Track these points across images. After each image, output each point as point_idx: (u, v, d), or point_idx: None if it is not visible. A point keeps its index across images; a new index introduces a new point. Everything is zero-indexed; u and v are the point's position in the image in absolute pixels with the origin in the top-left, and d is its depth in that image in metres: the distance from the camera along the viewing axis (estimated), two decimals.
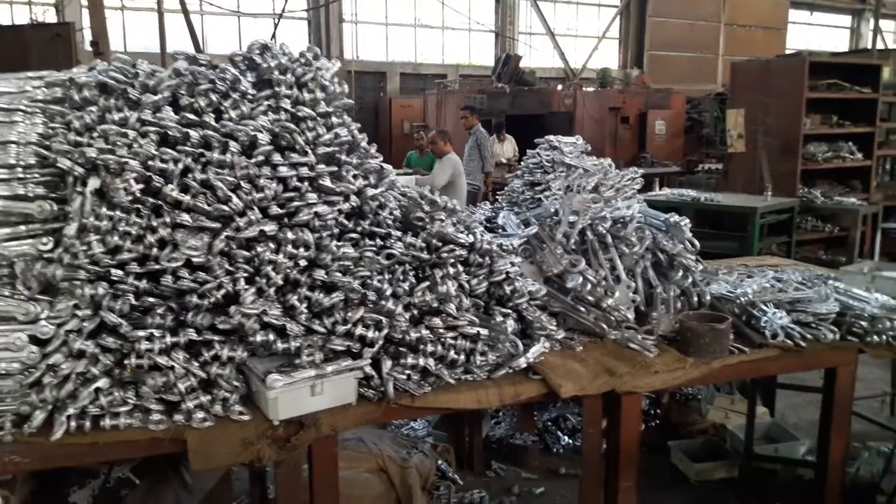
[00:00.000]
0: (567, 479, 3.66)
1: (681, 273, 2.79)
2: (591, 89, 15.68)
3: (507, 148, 11.56)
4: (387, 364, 2.11)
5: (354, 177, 2.22)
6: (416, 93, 16.03)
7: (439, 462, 3.57)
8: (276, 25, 9.19)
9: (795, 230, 7.35)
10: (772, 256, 4.33)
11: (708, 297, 2.80)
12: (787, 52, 15.81)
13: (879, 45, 15.38)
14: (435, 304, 2.25)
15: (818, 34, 21.67)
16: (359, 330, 2.10)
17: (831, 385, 2.65)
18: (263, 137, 2.14)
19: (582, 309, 2.60)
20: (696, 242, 2.84)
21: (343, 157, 2.24)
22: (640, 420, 2.40)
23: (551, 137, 4.33)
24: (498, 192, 4.97)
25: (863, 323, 2.58)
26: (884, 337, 2.58)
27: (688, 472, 3.64)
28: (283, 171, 2.13)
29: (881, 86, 8.59)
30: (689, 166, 11.85)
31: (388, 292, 2.21)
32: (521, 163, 4.49)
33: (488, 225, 3.41)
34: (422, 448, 3.54)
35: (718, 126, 10.79)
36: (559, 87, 16.41)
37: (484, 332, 2.24)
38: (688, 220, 2.82)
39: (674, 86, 16.31)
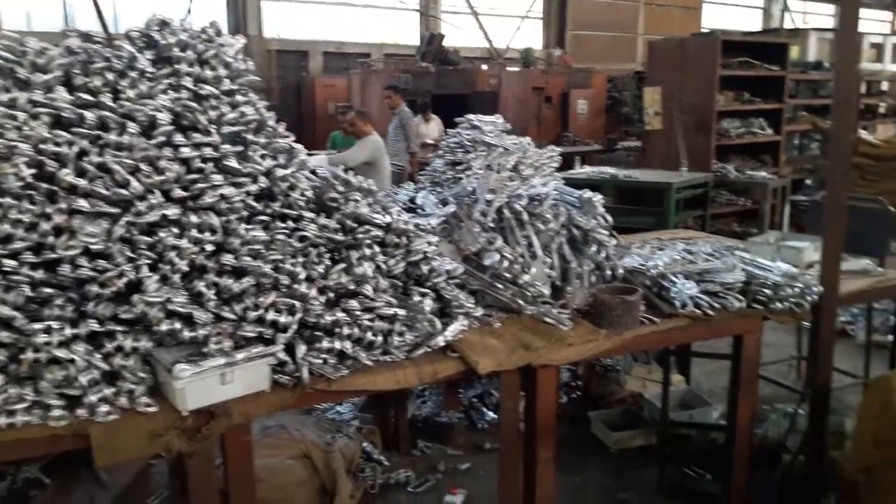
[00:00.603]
0: (492, 454, 3.70)
1: (594, 248, 2.84)
2: (515, 69, 15.77)
3: (432, 128, 11.51)
4: (301, 349, 2.07)
5: (262, 157, 2.16)
6: (341, 72, 15.76)
7: (364, 444, 3.55)
8: (190, 2, 8.85)
9: (710, 204, 7.62)
10: (685, 230, 4.47)
11: (621, 271, 2.86)
12: (703, 31, 16.26)
13: (788, 25, 16.05)
14: (352, 287, 2.23)
15: (733, 14, 22.38)
16: (270, 315, 2.05)
17: (739, 352, 2.77)
18: (164, 117, 2.05)
19: (499, 286, 2.62)
20: (609, 218, 2.89)
21: (250, 137, 2.17)
22: (556, 393, 2.44)
23: (471, 117, 4.34)
24: (422, 173, 4.96)
25: (767, 291, 2.69)
26: (786, 304, 2.69)
27: (607, 441, 3.75)
28: (186, 151, 2.05)
29: (789, 64, 8.95)
30: (610, 144, 12.10)
31: (302, 276, 2.17)
32: (443, 142, 4.48)
33: (411, 205, 3.39)
34: (346, 431, 3.52)
35: (637, 104, 11.05)
36: (484, 66, 16.44)
37: (402, 312, 2.23)
38: (601, 197, 2.87)
39: (595, 65, 16.57)
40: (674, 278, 2.77)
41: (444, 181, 4.14)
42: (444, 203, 2.92)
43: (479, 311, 2.51)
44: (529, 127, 14.77)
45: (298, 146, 2.29)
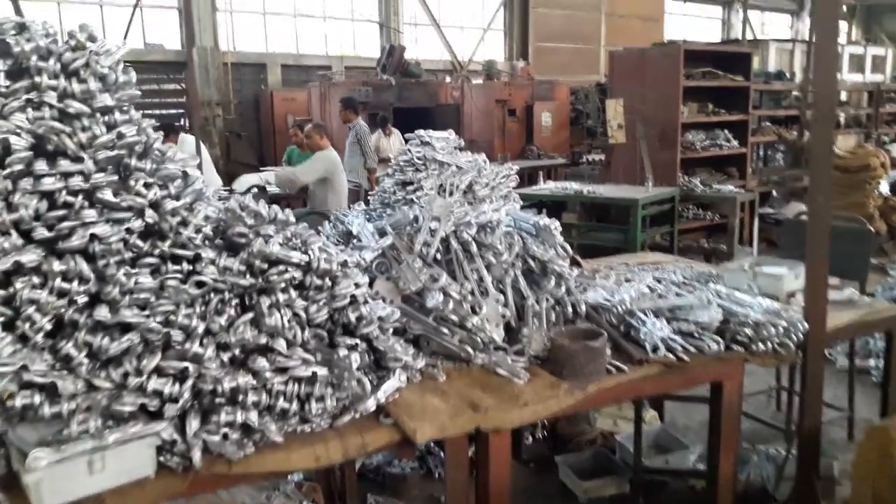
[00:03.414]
0: None
1: (553, 281, 2.50)
2: (478, 81, 15.52)
3: (393, 142, 11.14)
4: (192, 424, 1.68)
5: (147, 186, 1.78)
6: (300, 85, 15.34)
7: (304, 503, 3.16)
8: (132, 14, 8.38)
9: (677, 219, 7.38)
10: (652, 253, 4.16)
11: (583, 307, 2.53)
12: (664, 42, 16.21)
13: (749, 36, 16.05)
14: (263, 340, 1.85)
15: (693, 25, 22.47)
16: (152, 384, 1.66)
17: (718, 399, 2.44)
18: (20, 141, 1.67)
19: (445, 331, 2.26)
20: (568, 247, 2.56)
21: (133, 163, 1.79)
22: (509, 459, 2.08)
23: (422, 132, 3.99)
24: (372, 193, 4.60)
25: (747, 331, 2.37)
26: (769, 344, 2.38)
27: (576, 489, 3.40)
28: (49, 182, 1.67)
29: (752, 74, 8.80)
30: (575, 157, 11.87)
31: (200, 329, 1.79)
32: (392, 160, 4.13)
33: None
34: (284, 489, 3.13)
35: (600, 117, 10.83)
36: (447, 79, 16.16)
37: (322, 371, 1.86)
38: (558, 224, 2.53)
39: (558, 77, 16.40)
40: (643, 316, 2.44)
41: (394, 202, 3.79)
42: (382, 233, 2.55)
43: (421, 363, 2.15)
44: (494, 140, 14.54)
45: (195, 172, 1.91)
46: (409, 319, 2.29)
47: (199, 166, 7.03)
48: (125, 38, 8.36)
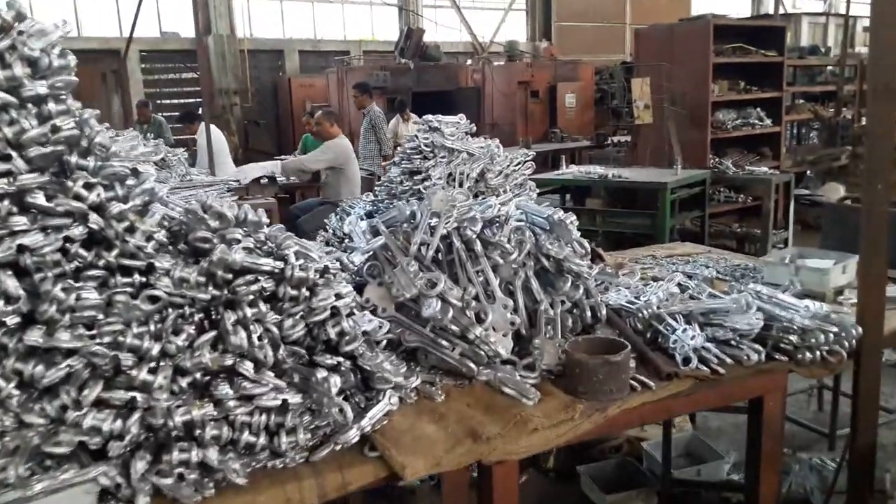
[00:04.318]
0: None
1: (570, 282, 2.21)
2: (500, 63, 15.14)
3: (411, 128, 10.84)
4: (137, 466, 1.44)
5: (89, 187, 1.53)
6: (318, 71, 15.11)
7: None
8: (139, 2, 8.16)
9: (708, 203, 7.02)
10: (682, 243, 3.84)
11: (604, 311, 2.24)
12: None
13: (779, 11, 15.42)
14: (229, 362, 1.60)
15: (722, 1, 21.76)
16: (89, 420, 1.42)
17: (758, 415, 2.14)
18: None
19: (444, 343, 1.99)
20: (586, 243, 2.27)
21: (73, 160, 1.54)
22: (516, 491, 1.81)
23: (430, 117, 3.71)
24: (379, 184, 4.33)
25: (792, 338, 2.07)
26: (817, 353, 2.07)
27: (600, 503, 3.12)
28: None
29: (786, 49, 8.35)
30: (599, 140, 11.47)
31: (155, 351, 1.55)
32: (398, 148, 3.87)
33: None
34: None
35: (626, 97, 10.45)
36: (468, 62, 15.80)
37: (295, 399, 1.60)
38: (574, 218, 2.23)
39: (582, 57, 15.96)
40: (673, 322, 2.15)
41: (400, 193, 3.53)
42: (376, 232, 2.28)
43: (416, 382, 1.88)
44: (517, 123, 14.18)
45: (147, 169, 1.65)
46: (403, 330, 2.03)
47: (210, 155, 6.89)
48: (133, 27, 8.16)
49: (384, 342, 2.01)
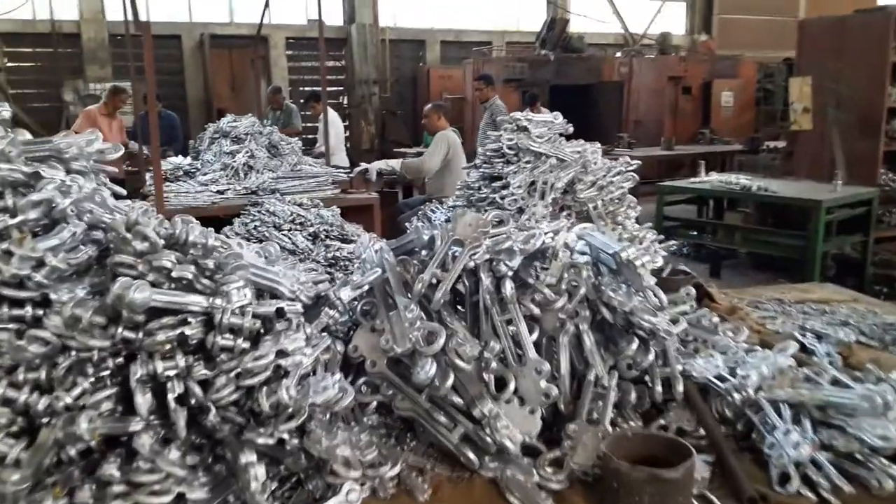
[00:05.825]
0: None
1: (637, 343, 1.66)
2: (649, 56, 14.16)
3: None
4: None
5: None
6: (459, 62, 14.84)
7: None
8: None
9: (874, 226, 5.96)
10: (822, 285, 3.07)
11: (680, 388, 1.67)
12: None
13: None
14: (136, 427, 1.23)
15: None
16: None
17: None
18: None
19: (442, 419, 1.51)
20: (663, 296, 1.69)
21: None
22: None
23: (518, 115, 3.22)
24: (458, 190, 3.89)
25: None
26: None
27: None
28: None
29: None
30: (753, 144, 10.31)
31: (41, 406, 1.21)
32: (480, 148, 3.41)
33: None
34: None
35: (784, 97, 9.28)
36: (617, 53, 14.92)
37: (196, 495, 1.20)
38: (646, 260, 1.67)
39: (745, 52, 14.59)
40: (774, 416, 1.54)
41: (477, 201, 3.09)
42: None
43: (390, 471, 1.41)
44: (664, 121, 13.19)
45: (54, 175, 1.30)
46: (395, 392, 1.57)
47: (326, 142, 6.79)
48: (264, 11, 8.21)
49: (374, 404, 1.59)
